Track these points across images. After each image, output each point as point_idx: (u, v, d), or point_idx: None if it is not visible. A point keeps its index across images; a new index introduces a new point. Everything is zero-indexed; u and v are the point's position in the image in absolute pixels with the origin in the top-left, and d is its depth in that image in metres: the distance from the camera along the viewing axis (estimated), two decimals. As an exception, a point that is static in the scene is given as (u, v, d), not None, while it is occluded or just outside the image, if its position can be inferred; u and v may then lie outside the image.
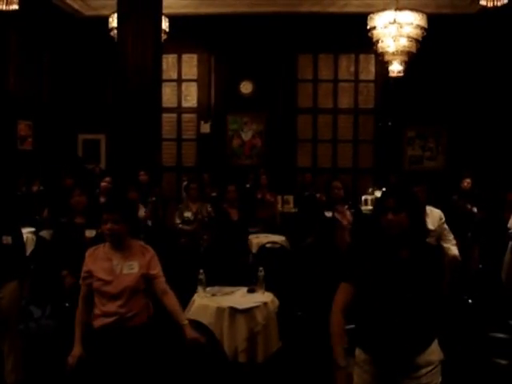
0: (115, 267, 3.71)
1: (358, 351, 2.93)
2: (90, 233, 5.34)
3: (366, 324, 2.88)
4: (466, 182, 8.36)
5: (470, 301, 5.41)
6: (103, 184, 7.58)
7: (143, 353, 3.68)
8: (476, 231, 6.58)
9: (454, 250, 5.80)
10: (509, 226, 6.31)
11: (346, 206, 6.62)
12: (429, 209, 5.85)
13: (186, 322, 3.79)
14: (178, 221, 7.16)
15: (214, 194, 8.61)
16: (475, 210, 7.89)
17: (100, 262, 3.74)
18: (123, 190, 7.08)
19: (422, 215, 3.09)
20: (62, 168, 9.92)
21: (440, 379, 2.91)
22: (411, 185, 5.73)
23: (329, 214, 6.84)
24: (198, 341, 3.74)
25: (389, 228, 2.80)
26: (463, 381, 4.27)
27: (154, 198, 7.92)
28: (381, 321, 2.81)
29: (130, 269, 3.72)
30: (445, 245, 5.77)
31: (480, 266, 6.32)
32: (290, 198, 11.14)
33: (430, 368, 2.84)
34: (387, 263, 2.83)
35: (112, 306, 3.67)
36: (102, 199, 7.21)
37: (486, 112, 11.67)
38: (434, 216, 5.84)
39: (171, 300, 3.81)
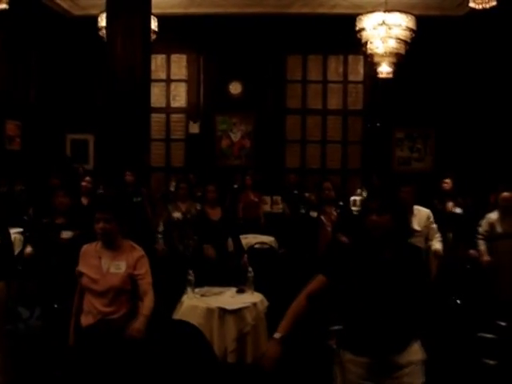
0: (103, 265, 3.75)
1: (341, 351, 2.96)
2: (66, 234, 5.36)
3: (350, 323, 2.92)
4: (446, 183, 8.40)
5: (458, 301, 5.43)
6: (83, 184, 7.57)
7: (128, 354, 3.68)
8: (459, 230, 6.61)
9: (437, 244, 5.87)
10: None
11: (334, 208, 6.66)
12: (416, 209, 5.90)
13: (144, 318, 3.73)
14: (161, 226, 7.07)
15: (199, 194, 8.62)
16: (458, 210, 7.91)
17: (90, 260, 3.80)
18: (113, 191, 7.10)
19: (407, 217, 3.13)
20: (49, 168, 9.88)
21: (423, 379, 2.92)
22: (400, 185, 5.78)
23: (314, 215, 6.89)
24: (138, 333, 3.65)
25: (373, 229, 2.84)
26: (452, 381, 4.30)
27: (139, 199, 7.93)
28: (364, 320, 2.85)
29: (117, 268, 3.76)
30: (430, 242, 5.84)
31: (468, 266, 6.36)
32: (279, 199, 11.17)
33: (411, 368, 2.87)
34: (371, 263, 2.88)
35: (97, 305, 3.72)
36: (83, 199, 7.21)
37: (473, 114, 11.74)
38: (421, 216, 5.88)
39: (147, 302, 3.79)
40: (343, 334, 2.98)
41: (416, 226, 5.76)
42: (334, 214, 6.73)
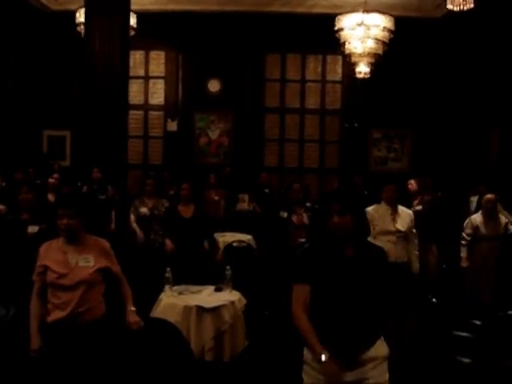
0: (70, 260, 3.75)
1: (306, 350, 3.02)
2: (32, 229, 5.33)
3: (316, 320, 2.96)
4: (410, 184, 8.49)
5: (434, 300, 5.50)
6: (51, 181, 7.52)
7: (97, 350, 3.68)
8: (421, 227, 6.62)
9: (416, 264, 5.90)
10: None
11: (303, 209, 6.72)
12: (401, 209, 5.96)
13: (133, 309, 3.94)
14: (132, 217, 7.10)
15: (171, 192, 8.64)
16: (418, 207, 7.96)
17: (54, 256, 3.77)
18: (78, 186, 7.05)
19: (366, 217, 3.24)
20: (25, 164, 9.77)
21: (387, 376, 2.99)
22: (384, 184, 5.84)
23: (284, 215, 6.96)
24: (137, 325, 3.89)
25: (335, 230, 2.96)
26: (427, 379, 4.35)
27: (103, 197, 7.88)
28: (328, 316, 2.93)
29: (86, 262, 3.77)
30: (409, 253, 5.87)
31: (444, 265, 6.44)
32: (246, 197, 11.10)
33: (375, 363, 2.94)
34: (333, 262, 2.98)
35: (66, 299, 3.69)
36: (50, 196, 7.17)
37: (450, 115, 11.87)
38: (405, 216, 5.94)
39: (125, 288, 3.98)
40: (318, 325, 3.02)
41: (400, 226, 5.82)
42: (304, 215, 6.81)
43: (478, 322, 4.95)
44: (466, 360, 4.30)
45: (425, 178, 9.66)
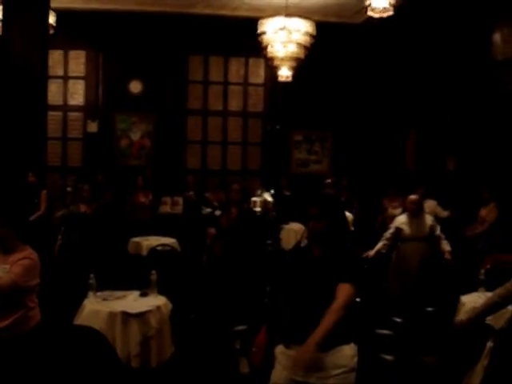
0: None
1: (277, 346, 3.11)
2: None
3: (282, 317, 3.08)
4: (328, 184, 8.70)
5: (357, 299, 5.62)
6: None
7: (21, 363, 3.56)
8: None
9: None
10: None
11: (238, 209, 6.73)
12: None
13: None
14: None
15: (106, 196, 8.51)
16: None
17: None
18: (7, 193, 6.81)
19: (342, 222, 3.27)
20: None
21: None
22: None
23: (218, 213, 6.96)
24: None
25: (310, 233, 3.11)
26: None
27: (36, 200, 7.70)
28: (291, 313, 3.03)
29: (3, 272, 3.69)
30: None
31: (365, 266, 6.59)
32: (180, 200, 11.09)
33: (338, 371, 2.94)
34: (301, 262, 3.10)
35: None
36: None
37: (368, 117, 12.23)
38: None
39: None
40: (279, 327, 3.14)
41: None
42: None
43: (399, 320, 5.10)
44: (389, 357, 4.41)
45: (340, 178, 9.91)
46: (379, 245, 6.49)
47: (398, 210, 7.92)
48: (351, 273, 3.02)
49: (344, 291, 2.93)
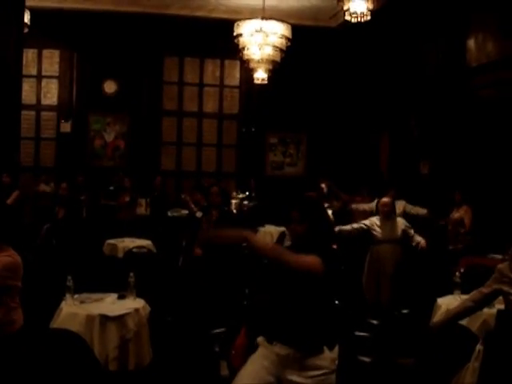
0: None
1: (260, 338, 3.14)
2: None
3: (265, 313, 3.13)
4: (322, 188, 8.74)
5: (336, 302, 5.66)
6: None
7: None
8: None
9: None
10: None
11: (218, 211, 6.74)
12: None
13: None
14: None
15: (82, 198, 8.45)
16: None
17: None
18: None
19: (324, 224, 3.23)
20: None
21: None
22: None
23: (199, 215, 6.96)
24: None
25: (292, 236, 3.16)
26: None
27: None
28: (272, 309, 3.11)
29: None
30: None
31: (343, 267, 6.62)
32: (143, 201, 11.04)
33: (318, 373, 2.97)
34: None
35: None
36: None
37: (342, 119, 12.33)
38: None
39: None
40: (262, 321, 3.19)
41: None
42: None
43: (375, 322, 5.16)
44: (367, 359, 4.46)
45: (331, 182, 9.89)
46: (345, 227, 6.45)
47: (361, 206, 8.08)
48: (321, 249, 3.02)
49: (309, 257, 2.92)
